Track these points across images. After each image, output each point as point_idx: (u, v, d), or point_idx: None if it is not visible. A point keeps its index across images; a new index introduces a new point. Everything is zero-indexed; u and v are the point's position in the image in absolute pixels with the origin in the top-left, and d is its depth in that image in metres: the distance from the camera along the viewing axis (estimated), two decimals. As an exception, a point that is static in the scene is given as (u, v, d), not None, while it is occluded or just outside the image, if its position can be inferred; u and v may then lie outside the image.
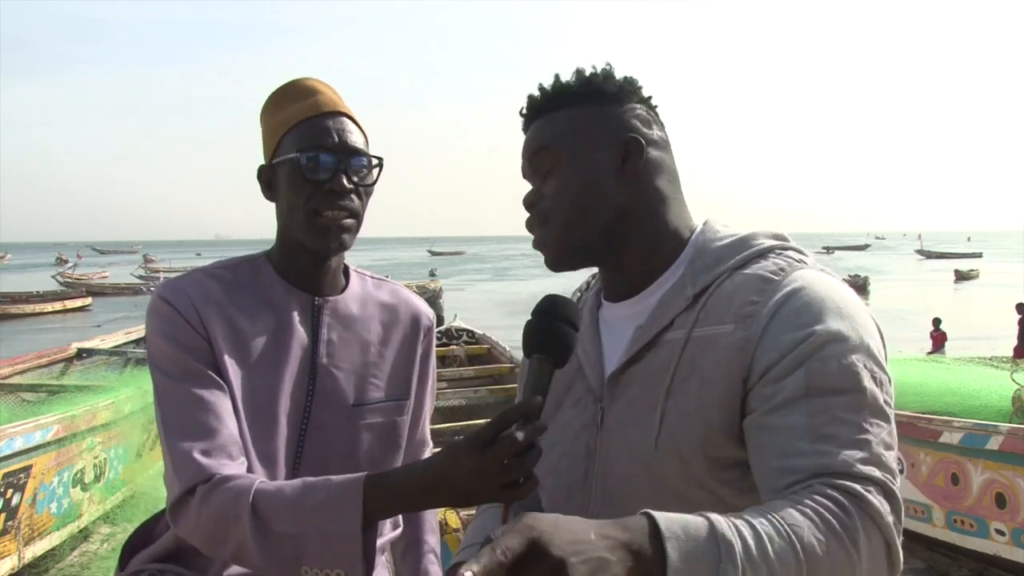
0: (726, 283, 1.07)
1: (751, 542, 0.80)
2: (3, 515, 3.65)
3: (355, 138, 1.31)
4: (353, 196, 1.29)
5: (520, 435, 0.96)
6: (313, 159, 1.27)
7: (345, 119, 1.31)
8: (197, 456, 1.15)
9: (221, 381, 1.23)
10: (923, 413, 3.99)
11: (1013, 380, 4.04)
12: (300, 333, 1.32)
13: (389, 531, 1.39)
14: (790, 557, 0.82)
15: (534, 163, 1.15)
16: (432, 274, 42.91)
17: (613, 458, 1.09)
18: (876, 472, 0.90)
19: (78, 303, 26.04)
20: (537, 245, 1.16)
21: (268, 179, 1.34)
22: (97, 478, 4.45)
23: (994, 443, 3.54)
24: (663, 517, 0.80)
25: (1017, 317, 11.91)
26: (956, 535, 3.81)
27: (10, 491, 3.68)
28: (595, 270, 1.27)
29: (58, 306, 25.45)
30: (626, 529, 0.78)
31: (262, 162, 1.35)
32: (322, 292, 1.35)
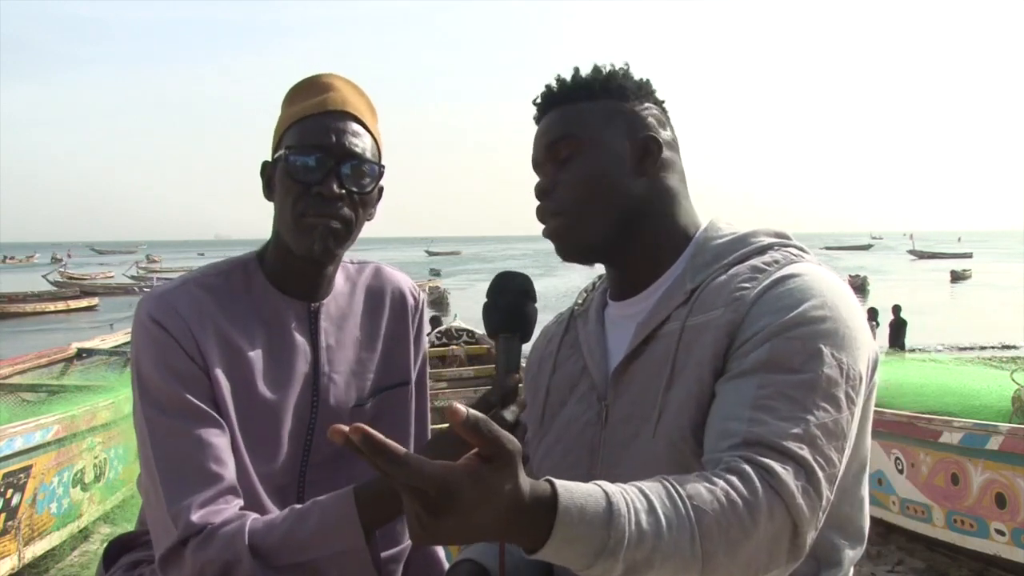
0: (721, 275, 1.08)
1: (646, 527, 0.80)
2: (3, 515, 3.65)
3: (356, 141, 1.20)
4: (344, 203, 1.19)
5: (504, 414, 0.99)
6: (303, 159, 1.18)
7: (351, 120, 1.21)
8: (194, 508, 1.09)
9: (219, 416, 1.16)
10: (923, 413, 3.99)
11: (1013, 380, 4.05)
12: (301, 345, 1.25)
13: (404, 541, 1.34)
14: (684, 541, 0.81)
15: (552, 151, 1.15)
16: (436, 273, 40.93)
17: (616, 454, 1.09)
18: (803, 451, 0.89)
19: (83, 303, 26.02)
20: (549, 234, 1.16)
21: (269, 177, 1.25)
22: (97, 478, 4.45)
23: (994, 443, 3.54)
24: (565, 494, 0.78)
25: (890, 318, 12.75)
26: (956, 535, 3.81)
27: (10, 491, 3.68)
28: (601, 271, 1.28)
29: (61, 305, 25.42)
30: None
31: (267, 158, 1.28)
32: (317, 297, 1.28)
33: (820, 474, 0.89)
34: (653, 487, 0.84)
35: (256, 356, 1.21)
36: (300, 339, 1.26)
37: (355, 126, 1.22)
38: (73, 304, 25.73)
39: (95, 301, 26.09)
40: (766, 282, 1.03)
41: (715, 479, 0.86)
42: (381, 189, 1.28)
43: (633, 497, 0.81)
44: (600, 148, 1.13)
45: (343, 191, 1.18)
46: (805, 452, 0.89)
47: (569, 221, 1.13)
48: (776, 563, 0.87)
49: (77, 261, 59.36)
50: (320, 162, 1.18)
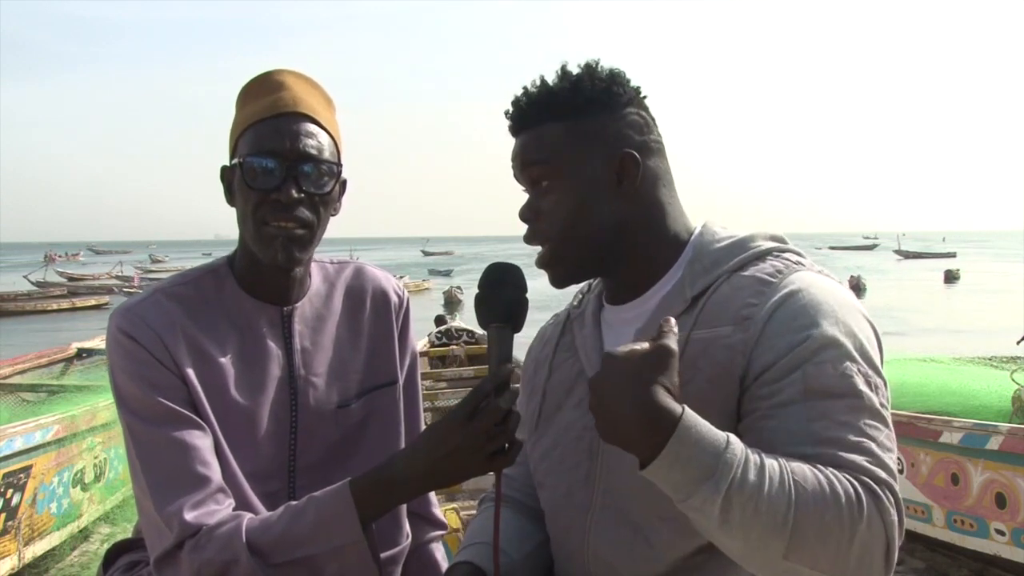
0: (724, 286, 1.07)
1: (751, 477, 0.86)
2: (3, 515, 3.64)
3: (311, 142, 1.18)
4: (304, 206, 1.17)
5: (500, 403, 1.01)
6: (259, 165, 1.16)
7: (305, 121, 1.19)
8: (186, 509, 1.10)
9: (199, 419, 1.16)
10: (923, 413, 3.98)
11: (1013, 380, 4.04)
12: (273, 349, 1.25)
13: (403, 542, 1.34)
14: (780, 506, 0.86)
15: (527, 174, 1.14)
16: (447, 273, 38.73)
17: (616, 459, 1.08)
18: (881, 472, 0.91)
19: (91, 301, 25.94)
20: (539, 264, 1.17)
21: (228, 182, 1.23)
22: (97, 478, 4.44)
23: (994, 443, 3.53)
24: (691, 417, 0.89)
25: None
26: (956, 535, 3.81)
27: (10, 491, 3.68)
28: None
29: (65, 304, 25.33)
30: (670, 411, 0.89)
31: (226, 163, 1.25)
32: (289, 300, 1.27)
33: (896, 490, 0.91)
34: (766, 455, 0.90)
35: (228, 362, 1.21)
36: (273, 344, 1.25)
37: (309, 126, 1.19)
38: (79, 303, 25.66)
39: (105, 299, 26.04)
40: (774, 298, 1.02)
41: (823, 468, 0.90)
42: (344, 183, 1.26)
43: (748, 450, 0.88)
44: (575, 175, 1.10)
45: (302, 195, 1.17)
46: (883, 473, 0.91)
47: (555, 252, 1.13)
48: (866, 574, 0.89)
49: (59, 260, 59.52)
50: (277, 167, 1.16)
